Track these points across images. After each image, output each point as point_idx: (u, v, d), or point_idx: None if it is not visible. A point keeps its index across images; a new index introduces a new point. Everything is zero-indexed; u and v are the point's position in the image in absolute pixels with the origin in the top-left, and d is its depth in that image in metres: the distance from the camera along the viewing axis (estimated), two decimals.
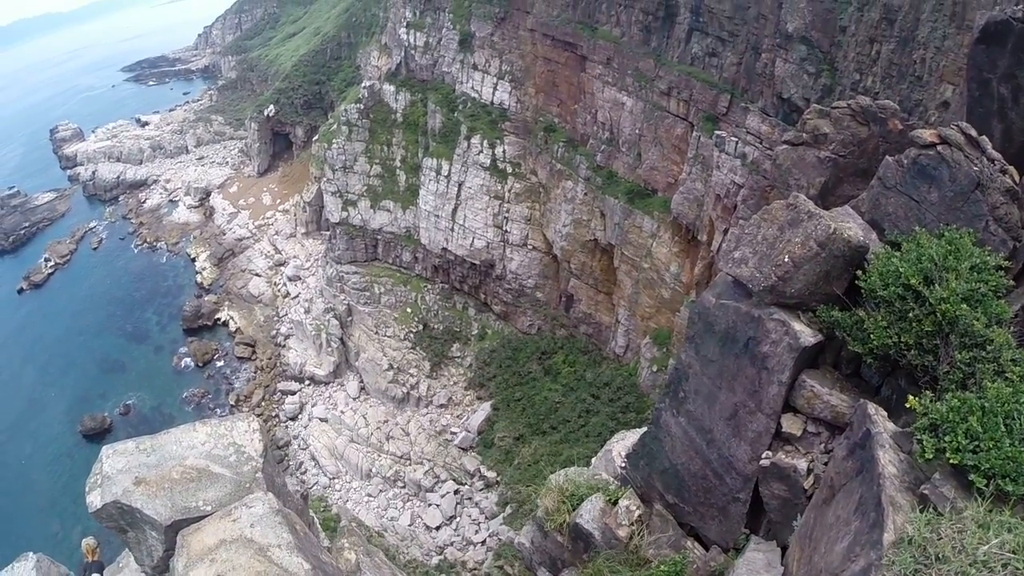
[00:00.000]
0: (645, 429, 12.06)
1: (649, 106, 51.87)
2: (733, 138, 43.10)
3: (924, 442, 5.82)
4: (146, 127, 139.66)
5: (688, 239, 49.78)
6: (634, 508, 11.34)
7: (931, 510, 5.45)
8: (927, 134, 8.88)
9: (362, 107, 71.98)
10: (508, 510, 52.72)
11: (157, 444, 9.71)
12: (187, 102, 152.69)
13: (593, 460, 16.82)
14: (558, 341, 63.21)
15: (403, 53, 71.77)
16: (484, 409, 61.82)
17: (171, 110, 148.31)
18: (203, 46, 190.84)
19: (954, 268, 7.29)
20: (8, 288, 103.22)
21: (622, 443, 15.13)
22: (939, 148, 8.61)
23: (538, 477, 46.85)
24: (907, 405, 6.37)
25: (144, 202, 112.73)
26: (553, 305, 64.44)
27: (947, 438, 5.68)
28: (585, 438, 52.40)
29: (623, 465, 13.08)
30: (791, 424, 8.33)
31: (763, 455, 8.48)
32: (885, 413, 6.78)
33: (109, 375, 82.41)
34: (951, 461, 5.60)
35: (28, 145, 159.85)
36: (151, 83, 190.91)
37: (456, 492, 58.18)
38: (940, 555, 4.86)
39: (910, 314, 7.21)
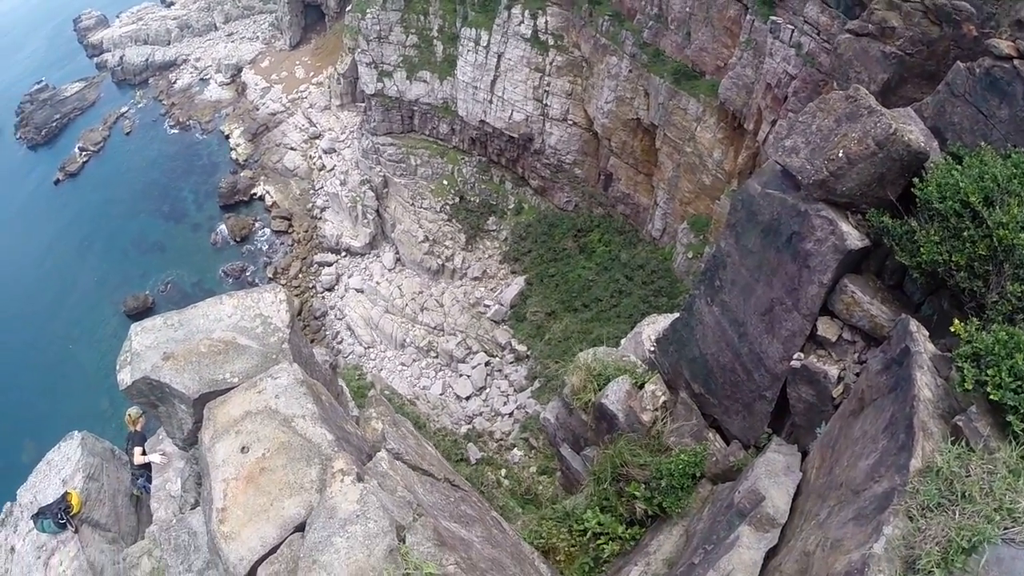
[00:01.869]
0: (677, 315, 11.97)
1: None
2: (789, 26, 40.41)
3: (965, 371, 5.51)
4: (172, 7, 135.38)
5: (734, 126, 47.78)
6: (659, 394, 11.39)
7: (963, 444, 5.20)
8: (1005, 45, 8.33)
9: None
10: (536, 384, 53.59)
11: (184, 318, 9.78)
12: None
13: (622, 341, 16.94)
14: (595, 219, 62.40)
15: None
16: (517, 283, 62.09)
17: None
18: None
19: (1018, 193, 6.80)
20: (45, 180, 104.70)
21: (652, 327, 15.42)
22: (1016, 63, 8.06)
23: (567, 353, 47.62)
24: (951, 329, 6.03)
25: (174, 83, 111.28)
26: (591, 183, 63.17)
27: (990, 371, 5.35)
28: (616, 318, 52.32)
29: (652, 349, 13.04)
30: (827, 328, 8.10)
31: (795, 356, 8.32)
32: (927, 332, 6.50)
33: (149, 255, 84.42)
34: (991, 397, 5.29)
35: (52, 37, 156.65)
36: None
37: (487, 364, 59.02)
38: (966, 493, 4.71)
39: (964, 233, 6.79)
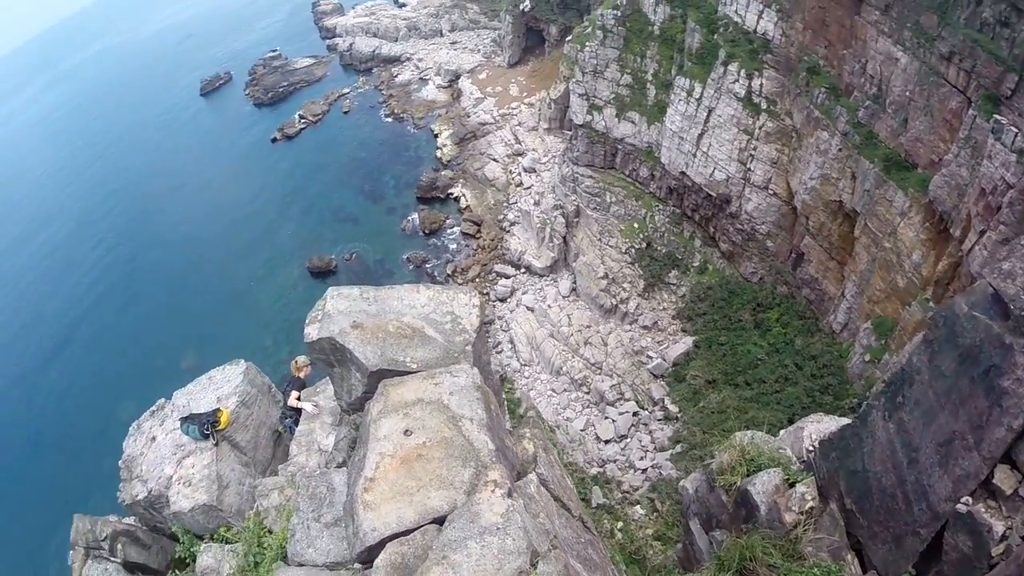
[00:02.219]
0: (847, 421, 11.35)
1: (925, 68, 44.91)
2: (1013, 128, 35.96)
3: None
4: (403, 8, 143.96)
5: (939, 229, 43.71)
6: (809, 498, 10.70)
7: None
8: None
9: (619, 14, 69.55)
10: (678, 448, 51.98)
11: (380, 296, 10.22)
12: None
13: (781, 432, 15.54)
14: (776, 297, 60.10)
15: None
16: (685, 343, 60.71)
17: None
18: None
19: None
20: (264, 136, 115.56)
21: (816, 426, 14.42)
22: None
23: (718, 427, 46.38)
24: None
25: (396, 77, 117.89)
26: (781, 258, 60.68)
27: None
28: (775, 404, 50.09)
29: (811, 449, 12.43)
30: (1004, 478, 7.29)
31: (963, 499, 7.56)
32: None
33: (341, 224, 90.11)
34: None
35: (291, 15, 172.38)
36: None
37: (635, 414, 58.02)
38: None
39: None
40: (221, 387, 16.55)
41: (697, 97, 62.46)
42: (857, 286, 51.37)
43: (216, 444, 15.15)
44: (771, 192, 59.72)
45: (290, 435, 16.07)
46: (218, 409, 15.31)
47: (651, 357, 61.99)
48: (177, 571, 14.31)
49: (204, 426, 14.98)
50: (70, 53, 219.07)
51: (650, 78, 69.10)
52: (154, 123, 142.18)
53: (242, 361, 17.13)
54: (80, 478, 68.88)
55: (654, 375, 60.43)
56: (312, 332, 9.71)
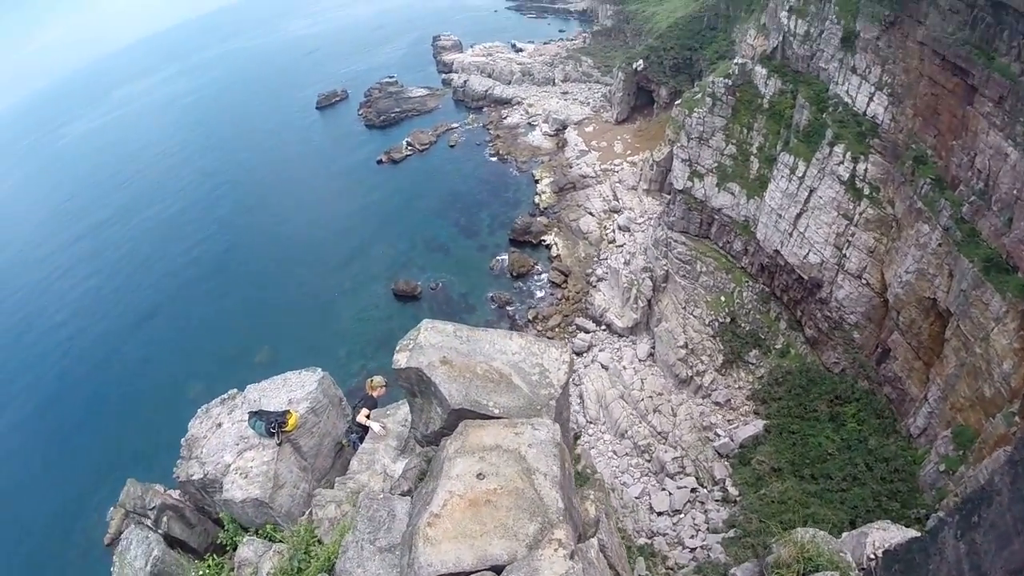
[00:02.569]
0: (915, 534, 10.78)
1: None
2: None
3: None
4: (520, 53, 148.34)
5: None
6: None
7: None
8: None
9: (730, 83, 69.12)
10: (731, 533, 50.24)
11: (473, 336, 10.17)
12: (561, 39, 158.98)
13: (844, 535, 14.99)
14: (856, 391, 57.32)
15: (780, 38, 67.27)
16: (756, 426, 58.81)
17: (545, 43, 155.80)
18: None
19: None
20: (370, 157, 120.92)
21: (881, 534, 13.21)
22: None
23: (776, 517, 44.29)
24: None
25: (505, 118, 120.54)
26: (866, 352, 58.06)
27: None
28: (840, 503, 47.93)
29: (873, 558, 11.71)
30: None
31: None
32: None
33: (432, 253, 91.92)
34: None
35: (413, 45, 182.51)
36: (530, 15, 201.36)
37: (693, 490, 56.48)
38: None
39: None
40: (294, 390, 16.86)
41: (800, 175, 61.42)
42: (941, 390, 48.78)
43: (279, 444, 15.42)
44: (864, 282, 57.69)
45: (353, 450, 16.18)
46: (288, 411, 15.55)
47: (719, 435, 60.44)
48: (215, 555, 14.40)
49: (272, 424, 15.33)
50: (202, 48, 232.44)
51: (754, 151, 68.40)
52: (269, 126, 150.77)
53: (319, 370, 17.46)
54: (138, 445, 73.65)
55: (719, 453, 58.81)
56: (401, 359, 9.72)
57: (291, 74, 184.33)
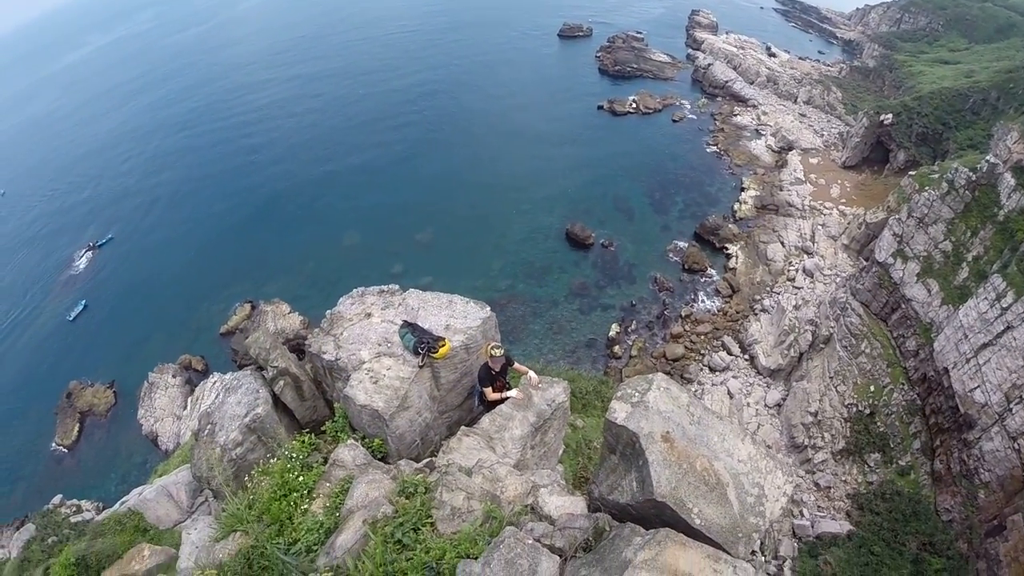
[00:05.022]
0: None
1: None
2: None
3: None
4: (772, 58, 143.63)
5: None
6: None
7: None
8: None
9: (972, 178, 63.91)
10: None
11: (704, 420, 8.84)
12: (818, 60, 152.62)
13: None
14: (951, 550, 52.46)
15: None
16: (841, 526, 55.66)
17: (801, 58, 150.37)
18: (856, 21, 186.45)
19: None
20: (592, 100, 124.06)
21: None
22: None
23: None
24: None
25: (734, 115, 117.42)
26: (981, 517, 53.11)
27: None
28: None
29: None
30: None
31: None
32: None
33: (616, 212, 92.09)
34: None
35: (670, 10, 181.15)
36: (794, 24, 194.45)
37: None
38: None
39: None
40: (456, 318, 16.12)
41: (1004, 306, 56.06)
42: None
43: (421, 366, 14.73)
44: (1017, 448, 52.57)
45: (483, 410, 15.51)
46: (443, 339, 14.83)
47: (803, 514, 58.01)
48: (314, 435, 14.41)
49: (422, 344, 14.70)
50: None
51: (969, 258, 63.24)
52: (510, 41, 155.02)
53: (487, 308, 16.60)
54: (282, 261, 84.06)
55: (794, 532, 56.19)
56: (620, 414, 8.59)
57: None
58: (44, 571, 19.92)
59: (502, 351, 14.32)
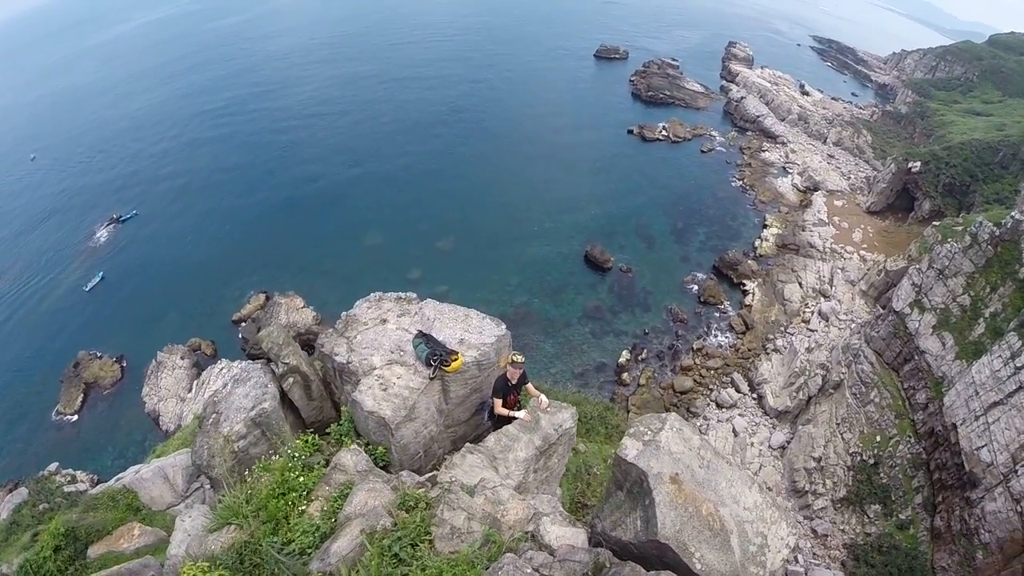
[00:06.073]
0: None
1: None
2: None
3: None
4: (805, 96, 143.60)
5: None
6: None
7: None
8: None
9: (996, 233, 63.41)
10: None
11: (714, 464, 8.84)
12: (850, 102, 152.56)
13: None
14: None
15: None
16: (836, 575, 53.68)
17: (834, 98, 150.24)
18: (892, 66, 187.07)
19: None
20: (623, 123, 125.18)
21: None
22: None
23: None
24: None
25: (763, 151, 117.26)
26: None
27: None
28: None
29: None
30: None
31: None
32: None
33: (637, 237, 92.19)
34: None
35: (706, 40, 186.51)
36: (830, 64, 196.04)
37: None
38: None
39: None
40: (471, 333, 16.12)
41: (1017, 366, 55.21)
42: None
43: (432, 378, 14.70)
44: (1020, 510, 51.43)
45: (491, 425, 15.44)
46: (456, 353, 14.82)
47: (797, 560, 56.35)
48: (317, 436, 14.35)
49: (435, 356, 14.69)
50: None
51: (987, 315, 62.48)
52: (547, 58, 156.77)
53: (503, 325, 16.61)
54: (296, 251, 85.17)
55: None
56: (631, 451, 8.61)
57: (583, 19, 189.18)
58: (32, 536, 20.00)
59: (523, 361, 14.23)
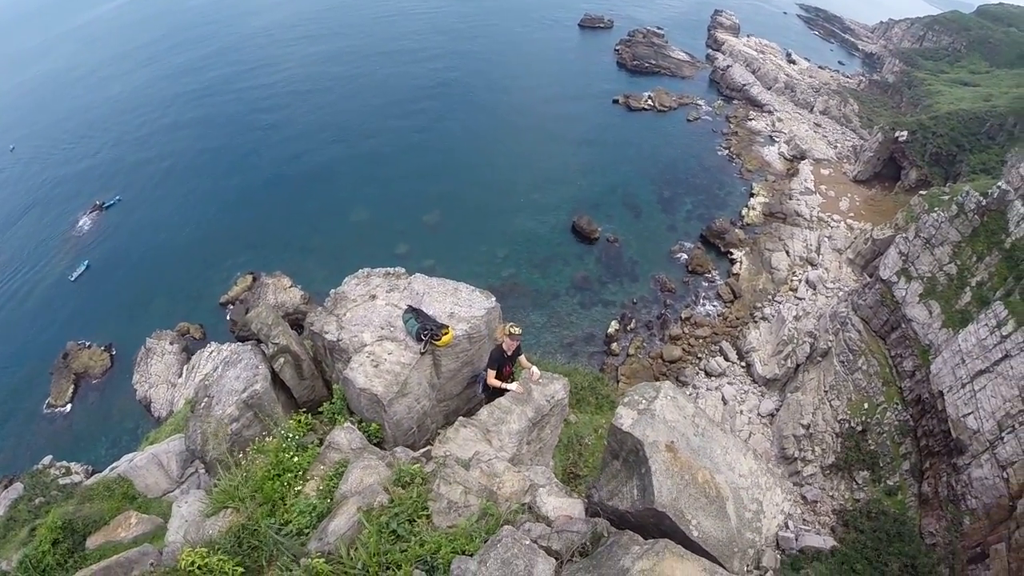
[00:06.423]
0: None
1: None
2: None
3: None
4: (792, 65, 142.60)
5: None
6: None
7: None
8: None
9: (982, 203, 63.61)
10: None
11: (709, 432, 8.78)
12: (837, 71, 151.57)
13: None
14: (933, 575, 52.02)
15: None
16: (825, 542, 53.33)
17: (820, 67, 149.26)
18: (879, 35, 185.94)
19: None
20: (608, 93, 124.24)
21: None
22: None
23: None
24: None
25: (749, 119, 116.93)
26: (965, 543, 52.43)
27: None
28: None
29: None
30: None
31: None
32: None
33: (623, 207, 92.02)
34: None
35: (693, 8, 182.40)
36: (817, 32, 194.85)
37: None
38: None
39: None
40: (460, 306, 16.09)
41: (1003, 334, 55.65)
42: None
43: (423, 353, 14.69)
44: (1005, 477, 52.14)
45: (485, 397, 15.47)
46: (447, 327, 14.81)
47: (787, 526, 55.90)
48: (310, 415, 14.35)
49: (425, 331, 14.68)
50: None
51: (973, 283, 62.95)
52: (531, 27, 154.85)
53: (493, 298, 16.57)
54: (283, 233, 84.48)
55: (777, 543, 55.39)
56: (626, 420, 8.45)
57: None
58: (30, 531, 19.97)
59: (520, 332, 14.25)
